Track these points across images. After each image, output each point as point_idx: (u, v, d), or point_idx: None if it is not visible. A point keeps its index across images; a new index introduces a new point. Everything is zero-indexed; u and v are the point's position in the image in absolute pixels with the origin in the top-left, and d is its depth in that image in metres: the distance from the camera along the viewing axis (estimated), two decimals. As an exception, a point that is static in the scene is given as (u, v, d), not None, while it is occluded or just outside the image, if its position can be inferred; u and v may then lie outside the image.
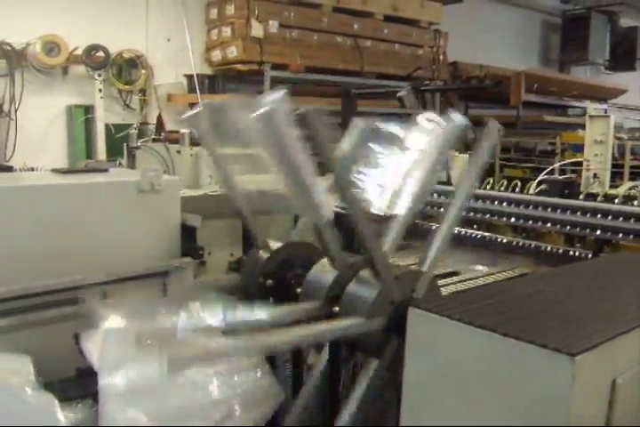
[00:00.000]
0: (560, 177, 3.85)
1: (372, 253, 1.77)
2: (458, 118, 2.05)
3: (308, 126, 1.55)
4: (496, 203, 3.14)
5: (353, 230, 1.75)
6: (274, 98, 1.55)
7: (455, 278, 2.72)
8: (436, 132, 2.02)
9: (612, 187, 5.27)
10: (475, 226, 3.25)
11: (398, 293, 1.81)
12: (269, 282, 2.28)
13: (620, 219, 2.72)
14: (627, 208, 2.76)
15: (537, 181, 3.55)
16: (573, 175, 3.95)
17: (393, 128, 2.04)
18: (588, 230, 2.81)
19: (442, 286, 2.40)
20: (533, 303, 1.54)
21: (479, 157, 2.04)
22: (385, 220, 2.01)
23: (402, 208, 2.01)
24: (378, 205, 1.98)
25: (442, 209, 2.59)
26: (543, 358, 1.23)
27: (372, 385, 1.86)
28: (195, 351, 1.52)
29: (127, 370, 1.84)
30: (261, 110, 1.55)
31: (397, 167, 2.03)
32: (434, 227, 2.54)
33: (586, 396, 1.25)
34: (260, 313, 1.80)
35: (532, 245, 3.04)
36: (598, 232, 2.77)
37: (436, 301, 1.69)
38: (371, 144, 2.04)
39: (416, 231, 2.71)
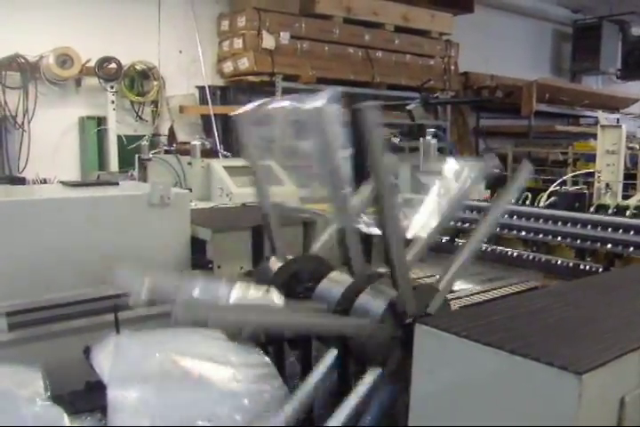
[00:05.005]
0: (571, 189, 3.81)
1: (395, 259, 1.74)
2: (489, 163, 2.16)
3: (361, 123, 1.55)
4: (506, 216, 3.10)
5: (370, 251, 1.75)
6: (327, 96, 1.59)
7: (463, 293, 2.69)
8: (464, 175, 2.09)
9: (624, 198, 5.24)
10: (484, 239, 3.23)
11: (411, 304, 1.79)
12: (278, 295, 2.28)
13: (632, 232, 2.71)
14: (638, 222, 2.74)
15: (547, 192, 3.53)
16: (584, 187, 3.92)
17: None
18: (599, 244, 2.79)
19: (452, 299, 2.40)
20: (541, 320, 1.53)
21: (508, 194, 2.04)
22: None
23: (421, 232, 2.04)
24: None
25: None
26: (550, 377, 1.22)
27: (383, 399, 1.85)
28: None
29: (136, 384, 1.85)
30: (312, 106, 1.58)
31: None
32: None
33: (593, 414, 1.23)
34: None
35: (543, 259, 3.02)
36: (609, 246, 2.75)
37: (442, 317, 1.68)
38: None
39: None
